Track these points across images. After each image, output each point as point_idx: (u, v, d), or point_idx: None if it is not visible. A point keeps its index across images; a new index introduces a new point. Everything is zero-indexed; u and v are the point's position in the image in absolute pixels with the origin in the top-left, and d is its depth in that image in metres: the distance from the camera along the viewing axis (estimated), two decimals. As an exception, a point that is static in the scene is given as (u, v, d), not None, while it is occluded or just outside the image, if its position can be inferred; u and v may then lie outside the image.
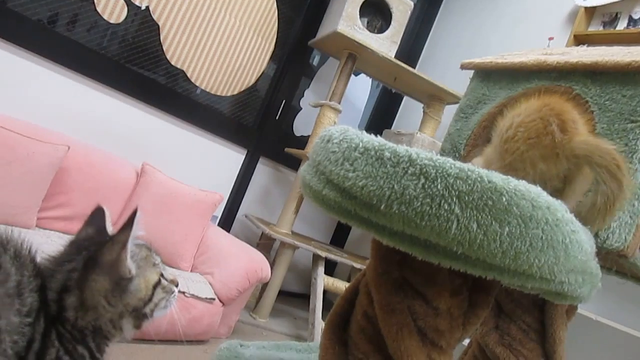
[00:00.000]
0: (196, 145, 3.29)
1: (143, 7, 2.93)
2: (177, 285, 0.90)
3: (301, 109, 3.87)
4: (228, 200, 3.55)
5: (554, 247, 0.70)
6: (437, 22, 4.30)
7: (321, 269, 3.32)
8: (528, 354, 1.26)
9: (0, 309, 0.58)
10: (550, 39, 3.18)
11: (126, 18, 2.87)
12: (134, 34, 2.99)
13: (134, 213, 0.85)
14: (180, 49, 3.11)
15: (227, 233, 3.11)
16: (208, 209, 2.93)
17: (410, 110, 4.19)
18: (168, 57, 3.07)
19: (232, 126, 3.48)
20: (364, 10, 3.26)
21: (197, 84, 3.24)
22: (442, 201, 0.68)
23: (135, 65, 3.02)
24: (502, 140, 0.92)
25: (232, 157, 3.50)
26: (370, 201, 0.73)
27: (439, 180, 0.69)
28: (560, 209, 0.71)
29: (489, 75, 1.38)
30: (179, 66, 3.14)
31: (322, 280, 3.29)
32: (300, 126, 3.88)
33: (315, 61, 3.96)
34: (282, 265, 3.35)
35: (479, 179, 0.68)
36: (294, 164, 3.61)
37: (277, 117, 3.68)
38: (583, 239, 0.75)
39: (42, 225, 2.49)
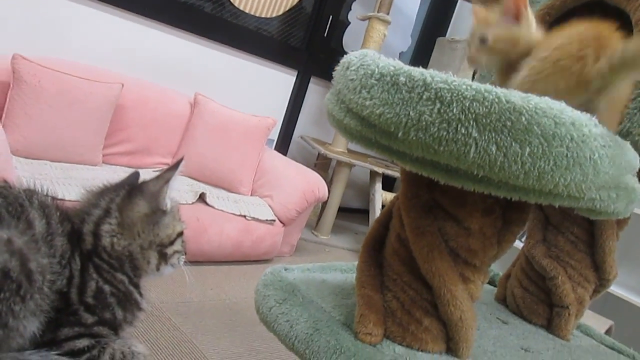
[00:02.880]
0: (246, 71, 3.29)
1: None
2: (185, 254, 0.98)
3: (349, 23, 3.75)
4: (283, 123, 3.59)
5: (580, 164, 0.67)
6: None
7: (379, 185, 3.35)
8: (576, 265, 1.25)
9: (28, 253, 0.65)
10: None
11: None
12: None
13: (181, 159, 0.92)
14: (220, -28, 3.05)
15: (283, 156, 3.17)
16: (262, 134, 2.98)
17: (464, 16, 3.97)
18: (209, -18, 3.03)
19: (281, 48, 3.45)
20: None
21: (242, 8, 3.19)
22: (459, 125, 0.66)
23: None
24: (537, 58, 0.87)
25: (283, 80, 3.49)
26: (388, 129, 0.72)
27: (454, 104, 0.66)
28: (588, 123, 0.68)
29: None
30: (220, -9, 3.09)
31: (380, 196, 3.33)
32: (350, 41, 3.78)
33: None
34: (340, 184, 3.41)
35: (496, 99, 0.65)
36: (345, 81, 3.56)
37: (325, 35, 3.60)
38: (616, 153, 0.71)
39: (108, 161, 2.63)
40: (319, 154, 3.55)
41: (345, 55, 0.85)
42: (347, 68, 0.82)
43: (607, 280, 1.25)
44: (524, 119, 0.64)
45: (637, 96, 1.02)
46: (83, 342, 0.73)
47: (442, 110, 0.67)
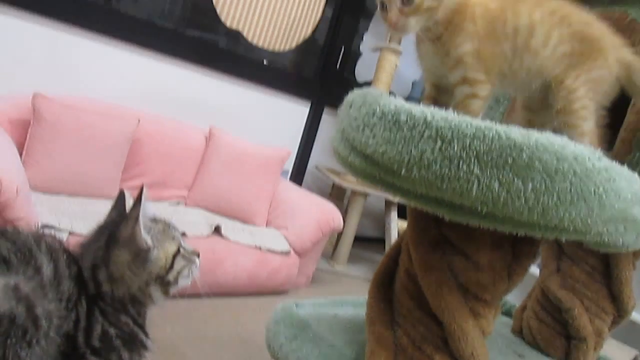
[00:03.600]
0: (260, 103, 3.34)
1: (193, -28, 2.95)
2: (198, 256, 0.97)
3: (361, 54, 3.79)
4: (297, 154, 3.61)
5: (585, 198, 0.67)
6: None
7: (394, 214, 3.34)
8: (593, 296, 1.23)
9: (34, 298, 0.66)
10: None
11: (178, -15, 2.91)
12: (187, 1, 3.03)
13: (141, 190, 0.91)
14: (234, 9, 3.12)
15: (297, 187, 3.18)
16: (277, 165, 3.00)
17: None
18: (223, 19, 3.10)
19: (294, 80, 3.49)
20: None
21: (255, 43, 3.25)
22: (461, 162, 0.67)
23: (193, 32, 3.08)
24: None
25: (297, 111, 3.53)
26: (391, 167, 0.73)
27: (455, 141, 0.67)
28: (591, 157, 0.68)
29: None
30: (235, 27, 3.16)
31: (396, 225, 3.31)
32: (363, 71, 3.82)
33: (373, 1, 3.83)
34: (355, 213, 3.40)
35: (496, 136, 0.65)
36: (359, 111, 3.58)
37: (337, 65, 3.64)
38: (622, 186, 0.70)
39: (125, 195, 2.66)
40: (333, 183, 3.56)
41: (348, 94, 0.87)
42: (351, 106, 0.83)
43: (625, 311, 1.23)
44: (525, 155, 0.65)
45: (646, 125, 1.02)
46: (91, 386, 0.74)
47: (443, 148, 0.68)
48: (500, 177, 0.66)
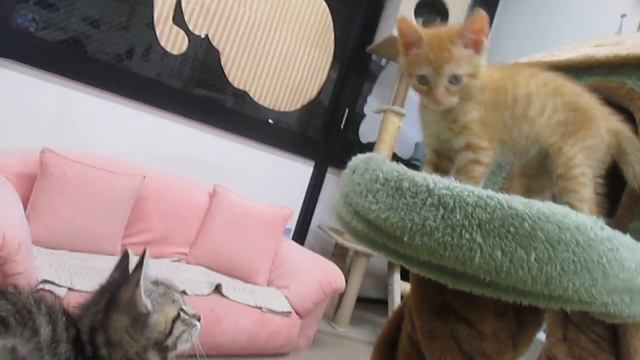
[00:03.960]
0: (265, 162, 3.38)
1: (202, 36, 3.06)
2: (199, 320, 0.95)
3: (365, 115, 3.86)
4: (300, 213, 3.62)
5: (589, 268, 0.67)
6: (499, 11, 4.16)
7: (397, 275, 3.30)
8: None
9: None
10: (623, 16, 2.98)
11: (188, 48, 3.00)
12: (196, 62, 3.12)
13: (143, 253, 0.91)
14: (241, 71, 3.21)
15: (300, 246, 3.17)
16: (280, 224, 3.00)
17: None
18: (230, 80, 3.18)
19: (298, 140, 3.55)
20: (419, 11, 3.21)
21: (261, 103, 3.32)
22: (463, 231, 0.67)
23: (201, 92, 3.16)
24: None
25: (300, 170, 3.56)
26: (394, 233, 0.73)
27: (457, 209, 0.67)
28: (593, 226, 0.68)
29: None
30: (241, 87, 3.24)
31: (399, 287, 3.27)
32: (366, 133, 3.88)
33: (376, 65, 3.94)
34: (357, 273, 3.37)
35: (498, 205, 0.66)
36: (362, 171, 3.61)
37: (341, 127, 3.70)
38: (625, 256, 0.70)
39: (126, 251, 2.65)
40: (336, 243, 3.54)
41: (351, 156, 0.88)
42: (354, 172, 0.84)
43: (634, 383, 1.19)
44: (527, 224, 0.65)
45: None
46: None
47: (445, 216, 0.68)
48: (503, 246, 0.66)
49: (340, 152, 3.65)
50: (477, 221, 0.66)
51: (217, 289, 2.53)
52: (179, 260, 2.84)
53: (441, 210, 0.68)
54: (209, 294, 2.46)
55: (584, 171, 0.92)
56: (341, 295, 3.40)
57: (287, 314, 2.65)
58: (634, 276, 0.73)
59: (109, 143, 2.81)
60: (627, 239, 0.75)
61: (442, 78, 0.86)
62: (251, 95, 3.28)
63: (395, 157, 3.64)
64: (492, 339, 0.85)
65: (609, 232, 0.69)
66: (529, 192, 1.03)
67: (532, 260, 0.65)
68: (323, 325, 3.30)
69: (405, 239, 0.71)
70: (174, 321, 0.90)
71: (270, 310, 2.59)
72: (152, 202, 2.72)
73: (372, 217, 0.76)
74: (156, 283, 0.93)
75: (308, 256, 3.00)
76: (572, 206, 0.92)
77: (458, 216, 0.67)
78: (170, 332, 0.88)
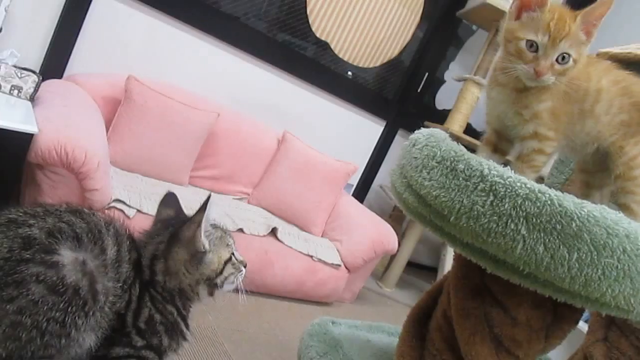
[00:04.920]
0: (336, 115, 3.40)
1: (292, -19, 3.06)
2: (245, 266, 1.02)
3: (445, 81, 3.77)
4: (364, 170, 3.64)
5: (632, 277, 0.66)
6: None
7: (449, 249, 3.29)
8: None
9: (97, 275, 0.73)
10: None
11: (276, -9, 3.02)
12: (283, 5, 3.13)
13: (208, 198, 0.97)
14: (325, 21, 3.20)
15: (358, 203, 3.21)
16: (342, 179, 3.04)
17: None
18: (314, 29, 3.18)
19: (373, 98, 3.53)
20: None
21: (341, 56, 3.31)
22: (509, 220, 0.68)
23: (283, 37, 3.18)
24: None
25: (370, 128, 3.56)
26: (442, 211, 0.75)
27: (507, 199, 0.68)
28: (645, 237, 0.67)
29: (627, 67, 1.26)
30: (323, 38, 3.23)
31: (451, 257, 3.26)
32: (443, 99, 3.80)
33: (466, 30, 3.81)
34: (411, 238, 3.39)
35: (549, 201, 0.66)
36: (432, 137, 3.56)
37: (418, 90, 3.64)
38: (673, 270, 0.69)
39: (193, 183, 2.79)
40: (395, 206, 3.56)
41: (414, 132, 0.89)
42: (414, 145, 0.85)
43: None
44: (574, 224, 0.65)
45: None
46: (130, 363, 0.81)
47: (494, 203, 0.69)
48: (547, 241, 0.66)
49: (413, 115, 3.61)
50: (524, 213, 0.67)
51: (273, 232, 2.63)
52: (240, 199, 2.96)
53: (491, 197, 0.69)
54: (264, 235, 2.56)
55: None
56: (392, 257, 3.44)
57: (336, 266, 2.73)
58: (680, 291, 0.71)
59: (190, 77, 2.90)
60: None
61: (555, 51, 0.83)
62: (332, 46, 3.27)
63: (469, 129, 3.56)
64: (525, 327, 0.86)
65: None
66: (587, 187, 1.00)
67: (574, 260, 0.65)
68: (370, 282, 3.37)
69: (452, 219, 0.73)
70: (225, 263, 0.97)
71: (320, 260, 2.67)
72: (223, 140, 2.82)
73: (424, 192, 0.78)
74: (215, 227, 1.00)
75: (365, 214, 3.04)
76: (628, 208, 0.90)
77: (507, 205, 0.68)
78: (221, 272, 0.96)
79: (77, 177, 1.97)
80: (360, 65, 3.42)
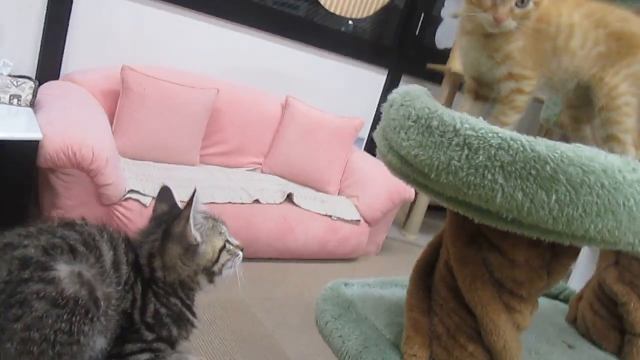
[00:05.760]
0: (337, 71, 3.37)
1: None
2: (242, 250, 1.05)
3: (442, 19, 3.69)
4: (373, 122, 3.62)
5: (613, 211, 0.67)
6: None
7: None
8: (652, 291, 1.19)
9: (95, 283, 0.77)
10: None
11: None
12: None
13: (194, 192, 0.99)
14: (311, -23, 3.14)
15: (371, 156, 3.21)
16: (350, 135, 3.04)
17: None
18: (301, -13, 3.13)
19: (371, 48, 3.48)
20: None
21: (332, 11, 3.26)
22: (486, 171, 0.69)
23: (272, 2, 3.14)
24: None
25: (373, 79, 3.53)
26: (422, 169, 0.76)
27: (481, 151, 0.69)
28: (623, 169, 0.67)
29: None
30: (313, -5, 3.18)
31: (470, 197, 3.27)
32: (443, 38, 3.72)
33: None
34: (429, 183, 3.39)
35: (521, 148, 0.66)
36: (438, 78, 3.51)
37: (416, 32, 3.57)
38: (658, 197, 0.69)
39: (205, 161, 2.83)
40: (408, 152, 3.56)
41: (392, 92, 0.89)
42: (391, 106, 0.86)
43: (687, 309, 1.19)
44: (549, 167, 0.65)
45: None
46: (145, 356, 0.85)
47: (469, 157, 0.70)
48: (524, 187, 0.67)
49: (415, 58, 3.56)
50: (499, 163, 0.67)
51: (289, 197, 2.66)
52: (253, 170, 2.99)
53: (466, 151, 0.70)
54: (281, 203, 2.60)
55: (628, 100, 0.88)
56: (412, 204, 3.46)
57: (356, 222, 2.76)
58: (665, 216, 0.72)
59: (184, 57, 2.90)
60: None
61: None
62: (322, 3, 3.21)
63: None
64: (524, 267, 0.88)
65: (643, 172, 0.68)
66: (576, 122, 1.00)
67: (553, 201, 0.66)
68: (393, 232, 3.41)
69: (433, 176, 0.74)
70: (220, 250, 1.00)
71: (339, 219, 2.71)
72: (226, 114, 2.83)
73: (404, 153, 0.79)
74: (206, 217, 1.03)
75: (378, 166, 3.04)
76: (616, 138, 0.89)
77: (481, 157, 0.68)
78: (217, 260, 0.99)
79: (89, 175, 2.02)
80: (354, 17, 3.36)
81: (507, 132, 0.68)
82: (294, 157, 2.96)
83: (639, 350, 1.20)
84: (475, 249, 0.89)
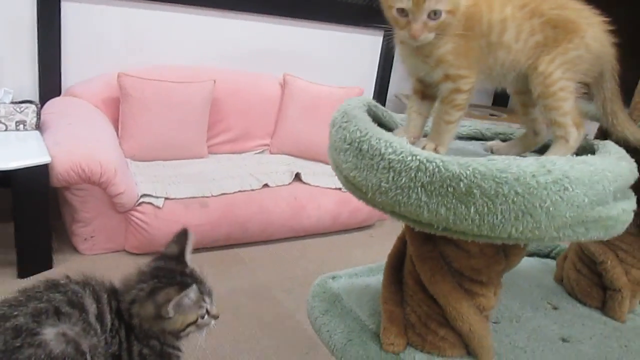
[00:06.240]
0: (332, 41, 3.37)
1: None
2: (216, 318, 1.10)
3: (433, -30, 3.61)
4: (375, 85, 3.63)
5: (531, 214, 0.72)
6: None
7: (477, 137, 3.30)
8: (628, 248, 1.24)
9: (80, 339, 0.87)
10: None
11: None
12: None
13: (190, 286, 1.04)
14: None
15: (375, 122, 3.23)
16: (351, 105, 3.07)
17: None
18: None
19: (363, 11, 3.45)
20: None
21: (318, -20, 3.23)
22: (410, 191, 0.74)
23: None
24: None
25: (370, 43, 3.52)
26: (361, 189, 0.82)
27: (403, 173, 0.74)
28: (537, 173, 0.71)
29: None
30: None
31: (479, 148, 3.28)
32: (436, -12, 3.65)
33: None
34: (437, 139, 3.41)
35: (437, 169, 0.71)
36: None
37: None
38: (576, 193, 0.73)
39: (213, 151, 2.91)
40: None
41: (336, 110, 0.94)
42: (333, 125, 0.91)
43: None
44: (462, 184, 0.71)
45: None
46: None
47: (395, 178, 0.76)
48: (445, 203, 0.72)
49: (409, 15, 3.51)
50: (420, 183, 0.73)
51: (298, 177, 2.73)
52: (262, 152, 3.07)
53: (391, 173, 0.75)
54: (290, 183, 2.68)
55: (563, 85, 0.91)
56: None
57: (366, 191, 2.82)
58: (586, 210, 0.76)
59: (178, 52, 2.95)
60: (592, 166, 0.77)
61: (421, 13, 0.85)
62: (306, -26, 3.19)
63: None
64: (480, 256, 0.94)
65: (558, 173, 0.72)
66: (525, 107, 1.03)
67: (473, 213, 0.72)
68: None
69: (369, 195, 0.80)
70: (188, 325, 1.06)
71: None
72: (227, 102, 2.90)
73: (345, 173, 0.85)
74: (195, 290, 1.05)
75: (383, 132, 3.08)
76: (556, 122, 0.93)
77: (404, 179, 0.74)
78: (183, 330, 1.06)
79: (101, 187, 2.13)
80: (341, -17, 3.32)
81: (424, 154, 0.73)
82: (299, 134, 3.02)
83: (621, 304, 1.25)
84: (432, 245, 0.95)
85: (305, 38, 3.28)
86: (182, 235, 1.13)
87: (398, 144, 0.76)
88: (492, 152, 1.07)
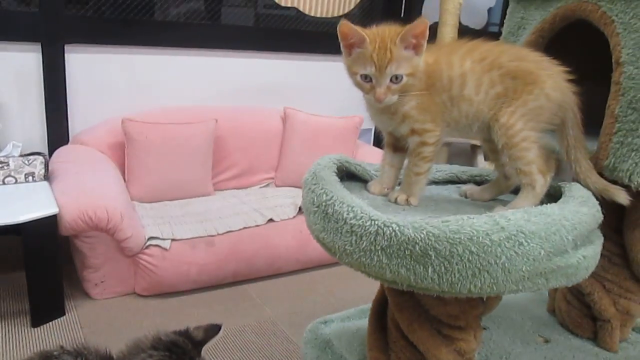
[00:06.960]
0: (330, 72, 3.42)
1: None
2: None
3: (427, -4, 3.67)
4: (377, 111, 3.67)
5: (487, 271, 0.75)
6: None
7: (480, 157, 3.33)
8: (614, 279, 1.25)
9: None
10: None
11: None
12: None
13: None
14: (285, -13, 3.19)
15: (377, 149, 3.28)
16: (351, 133, 3.12)
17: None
18: (277, 0, 3.19)
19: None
20: None
21: (312, 14, 3.30)
22: (372, 254, 0.78)
23: (253, 21, 3.22)
24: None
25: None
26: (330, 250, 0.86)
27: (364, 237, 0.78)
28: (491, 231, 0.74)
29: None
30: (289, 4, 3.23)
31: (483, 167, 3.30)
32: (431, 13, 3.70)
33: None
34: (440, 162, 3.43)
35: (393, 233, 0.75)
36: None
37: (401, 13, 3.58)
38: (531, 247, 0.76)
39: (219, 187, 2.97)
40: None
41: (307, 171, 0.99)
42: (304, 187, 0.95)
43: (651, 290, 1.24)
44: (418, 247, 0.74)
45: (618, 130, 1.01)
46: None
47: (357, 242, 0.79)
48: (405, 264, 0.76)
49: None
50: (379, 247, 0.76)
51: (302, 209, 2.76)
52: (267, 185, 3.12)
53: (354, 237, 0.79)
54: (294, 216, 2.71)
55: (526, 135, 0.94)
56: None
57: (370, 218, 2.85)
58: (542, 262, 0.78)
59: (180, 93, 3.03)
60: (545, 220, 0.79)
61: (384, 78, 0.92)
62: (301, 9, 3.27)
63: (468, 30, 3.48)
64: (455, 302, 0.96)
65: (512, 229, 0.75)
66: (494, 153, 1.06)
67: (431, 272, 0.75)
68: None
69: (337, 256, 0.84)
70: None
71: (353, 219, 2.79)
72: (230, 139, 2.96)
73: (315, 234, 0.89)
74: None
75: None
76: (521, 171, 0.96)
77: (365, 243, 0.78)
78: None
79: (108, 233, 2.19)
80: (337, 15, 3.39)
81: (382, 218, 0.77)
82: (302, 165, 3.03)
83: (612, 334, 1.26)
84: (408, 294, 0.98)
85: (304, 70, 3.35)
86: (213, 329, 1.14)
87: (359, 208, 0.80)
88: (466, 197, 1.10)
